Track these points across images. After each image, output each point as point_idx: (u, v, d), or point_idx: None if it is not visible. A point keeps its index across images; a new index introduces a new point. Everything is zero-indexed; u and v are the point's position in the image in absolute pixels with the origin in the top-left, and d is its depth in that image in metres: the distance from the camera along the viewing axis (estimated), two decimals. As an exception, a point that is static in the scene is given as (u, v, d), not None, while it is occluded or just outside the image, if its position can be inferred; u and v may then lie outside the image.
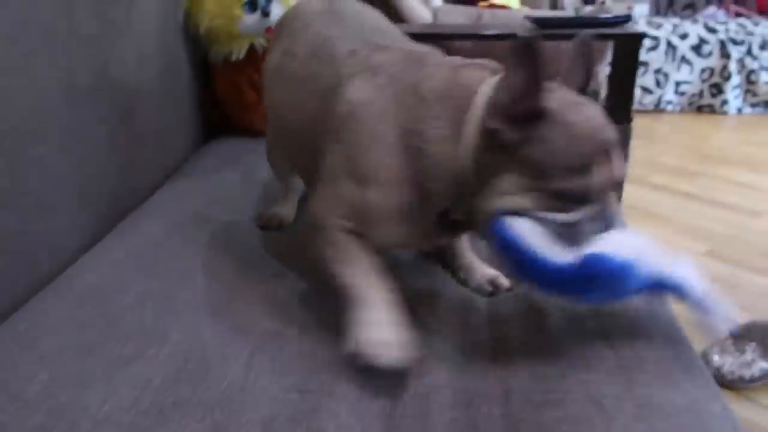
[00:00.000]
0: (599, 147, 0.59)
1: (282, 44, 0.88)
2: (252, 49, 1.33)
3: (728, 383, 1.33)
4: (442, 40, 2.05)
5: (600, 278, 0.59)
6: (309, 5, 0.94)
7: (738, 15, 3.67)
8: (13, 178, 0.78)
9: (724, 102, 3.43)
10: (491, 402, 0.59)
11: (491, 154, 0.61)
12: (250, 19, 1.28)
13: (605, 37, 1.59)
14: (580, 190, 0.59)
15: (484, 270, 0.80)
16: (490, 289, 0.78)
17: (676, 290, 0.63)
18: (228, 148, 1.35)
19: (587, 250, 0.58)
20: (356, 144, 0.67)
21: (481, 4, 2.46)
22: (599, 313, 0.71)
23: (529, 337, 0.69)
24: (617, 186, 0.62)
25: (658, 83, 3.44)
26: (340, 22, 0.83)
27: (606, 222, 0.60)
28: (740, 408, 1.29)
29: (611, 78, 1.54)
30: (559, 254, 0.59)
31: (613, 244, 0.59)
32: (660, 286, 0.63)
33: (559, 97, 0.61)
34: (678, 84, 3.44)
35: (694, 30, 3.40)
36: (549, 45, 1.82)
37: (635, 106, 3.67)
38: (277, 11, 1.31)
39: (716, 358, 1.36)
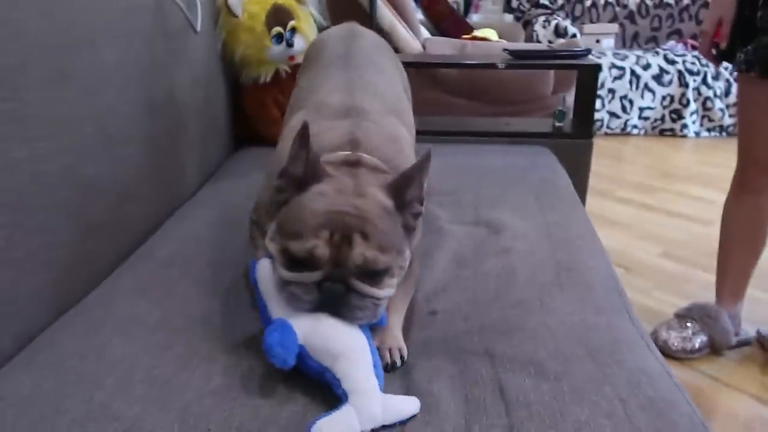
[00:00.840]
0: (323, 226, 0.67)
1: (302, 73, 1.10)
2: (277, 73, 1.59)
3: (673, 354, 1.59)
4: (431, 68, 2.33)
5: (270, 339, 0.66)
6: (330, 38, 1.15)
7: (695, 48, 4.03)
8: (110, 172, 1.02)
9: (684, 126, 3.76)
10: (472, 334, 0.82)
11: (277, 206, 0.75)
12: (277, 49, 1.54)
13: (569, 67, 1.88)
14: (298, 254, 0.67)
15: None
16: None
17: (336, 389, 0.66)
18: (255, 156, 1.59)
19: (281, 316, 0.69)
20: (269, 169, 0.89)
21: (465, 36, 2.75)
22: (557, 264, 0.96)
23: (499, 287, 0.94)
24: (363, 270, 0.68)
25: (624, 109, 3.76)
26: (339, 69, 1.01)
27: (330, 298, 0.68)
28: (684, 375, 1.55)
29: (576, 102, 1.83)
30: (276, 305, 0.71)
31: (308, 323, 0.67)
32: (323, 377, 0.67)
33: (330, 180, 0.72)
34: (642, 110, 3.77)
35: (656, 61, 3.74)
36: (521, 72, 2.14)
37: (604, 129, 3.99)
38: (299, 42, 1.57)
39: (663, 334, 1.62)
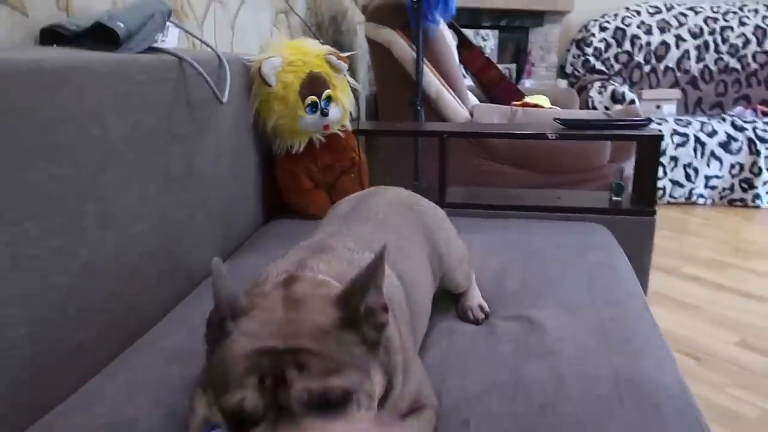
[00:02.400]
0: (248, 372, 0.56)
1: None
2: (310, 143, 1.52)
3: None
4: (478, 138, 2.25)
5: None
6: (345, 199, 1.09)
7: (765, 114, 3.80)
8: (117, 251, 0.94)
9: (756, 196, 3.50)
10: None
11: (207, 364, 0.64)
12: (311, 118, 1.48)
13: (627, 138, 1.74)
14: (230, 409, 0.56)
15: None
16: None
17: None
18: (283, 228, 1.50)
19: None
20: None
21: (515, 103, 2.65)
22: (616, 374, 0.80)
23: (546, 399, 0.78)
24: (315, 406, 0.55)
25: (688, 177, 3.54)
26: (334, 224, 0.97)
27: None
28: None
29: (635, 174, 1.68)
30: None
31: None
32: None
33: (256, 311, 0.61)
34: (708, 178, 3.54)
35: (722, 128, 3.54)
36: (574, 143, 2.00)
37: (666, 198, 3.77)
38: (334, 111, 1.50)
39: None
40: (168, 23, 1.16)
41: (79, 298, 0.86)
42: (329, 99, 1.49)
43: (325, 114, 1.48)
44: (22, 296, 0.76)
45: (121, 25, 1.03)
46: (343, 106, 1.53)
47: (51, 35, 1.01)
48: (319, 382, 0.55)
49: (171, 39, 1.19)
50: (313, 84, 1.46)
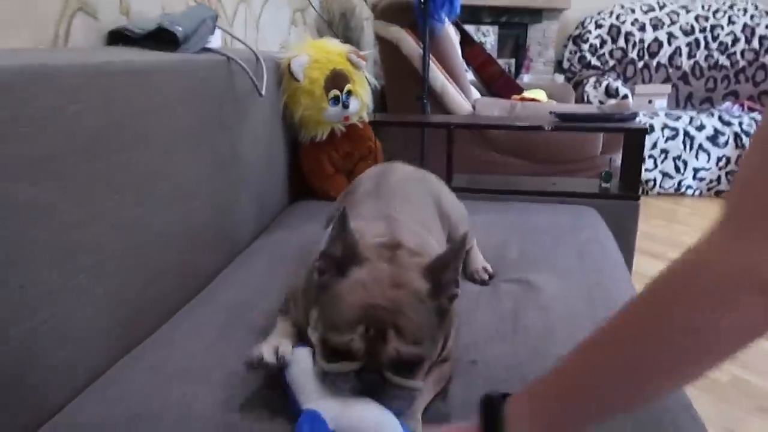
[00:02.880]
0: (359, 321, 0.70)
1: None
2: (332, 133, 1.70)
3: None
4: (480, 130, 2.42)
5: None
6: (364, 177, 1.24)
7: (751, 110, 3.98)
8: (181, 221, 1.12)
9: (741, 188, 3.67)
10: (512, 383, 0.85)
11: (316, 288, 0.78)
12: (333, 110, 1.66)
13: (616, 130, 1.92)
14: (336, 345, 0.71)
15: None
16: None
17: None
18: (307, 209, 1.68)
19: (312, 406, 0.70)
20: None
21: (515, 97, 2.83)
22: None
23: (539, 343, 0.96)
24: (397, 363, 0.71)
25: (677, 169, 3.72)
26: (370, 201, 1.09)
27: (367, 387, 0.70)
28: None
29: (622, 164, 1.85)
30: (308, 391, 0.72)
31: (338, 408, 0.69)
32: None
33: (368, 265, 0.76)
34: (696, 170, 3.72)
35: (710, 122, 3.71)
36: (568, 134, 2.19)
37: (657, 189, 3.93)
38: (354, 104, 1.68)
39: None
40: (216, 26, 1.33)
41: (154, 258, 1.04)
42: (350, 93, 1.67)
43: (346, 106, 1.66)
44: (117, 252, 0.94)
45: (180, 28, 1.20)
46: (362, 100, 1.70)
47: (116, 37, 1.19)
48: (407, 347, 0.71)
49: (215, 40, 1.36)
50: (336, 79, 1.64)
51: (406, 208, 1.09)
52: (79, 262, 0.85)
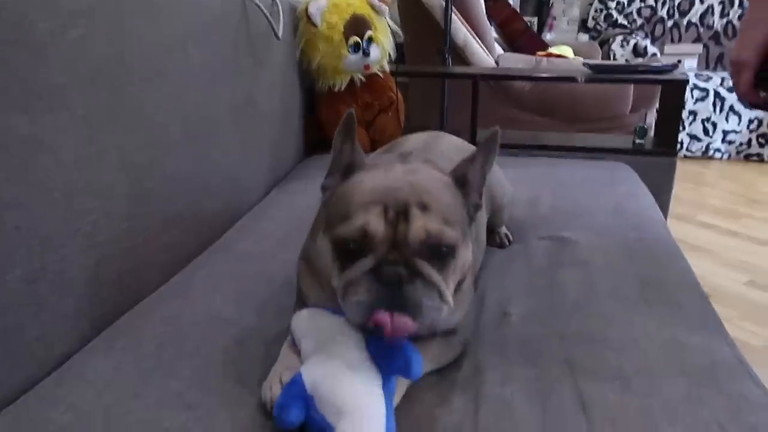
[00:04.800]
0: (374, 201, 0.60)
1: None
2: (351, 82, 1.61)
3: None
4: (503, 81, 2.31)
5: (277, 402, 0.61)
6: (414, 135, 1.11)
7: (786, 70, 3.80)
8: (194, 166, 1.05)
9: (773, 151, 3.54)
10: (550, 340, 0.78)
11: (323, 206, 0.71)
12: (353, 58, 1.56)
13: (655, 82, 1.80)
14: (348, 237, 0.60)
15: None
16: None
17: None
18: (325, 163, 1.60)
19: (310, 360, 0.63)
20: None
21: (539, 53, 2.70)
22: (641, 281, 0.91)
23: (579, 297, 0.89)
24: (428, 246, 0.59)
25: (706, 131, 3.58)
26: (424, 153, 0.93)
27: (392, 287, 0.58)
28: None
29: (658, 118, 1.75)
30: (303, 357, 0.65)
31: (321, 371, 0.61)
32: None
33: (379, 167, 0.66)
34: (726, 133, 3.58)
35: (743, 83, 3.55)
36: (599, 88, 2.07)
37: (684, 152, 3.80)
38: (375, 52, 1.58)
39: None
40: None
41: (166, 203, 0.97)
42: (370, 40, 1.57)
43: (366, 54, 1.56)
44: (124, 196, 0.87)
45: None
46: (383, 48, 1.61)
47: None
48: (438, 225, 0.59)
49: (229, -22, 1.27)
50: (356, 25, 1.54)
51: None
52: (82, 206, 0.79)
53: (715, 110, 3.55)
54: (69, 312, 0.77)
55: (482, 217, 1.00)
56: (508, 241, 1.14)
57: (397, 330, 0.58)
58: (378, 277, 0.58)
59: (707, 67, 4.10)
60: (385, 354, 0.62)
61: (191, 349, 0.75)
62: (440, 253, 0.61)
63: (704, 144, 3.60)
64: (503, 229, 1.16)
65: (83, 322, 0.80)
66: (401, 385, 0.66)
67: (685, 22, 4.13)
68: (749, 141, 3.58)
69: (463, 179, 0.68)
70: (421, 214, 0.60)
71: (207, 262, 1.01)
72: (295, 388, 0.61)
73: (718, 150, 3.62)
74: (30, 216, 0.71)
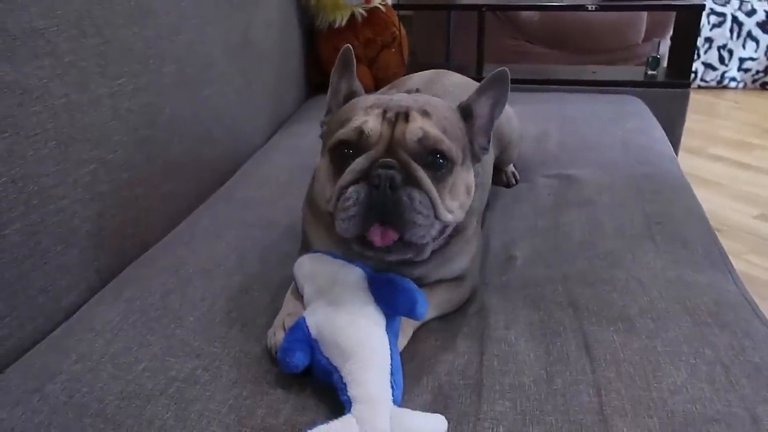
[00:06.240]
0: (375, 106, 0.61)
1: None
2: (352, 18, 1.55)
3: None
4: (512, 11, 2.21)
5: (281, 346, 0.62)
6: (416, 75, 1.09)
7: (809, -9, 3.63)
8: (192, 111, 1.03)
9: (790, 79, 3.43)
10: (554, 283, 0.78)
11: (325, 137, 0.70)
12: (354, -9, 1.50)
13: (669, 8, 1.72)
14: (345, 137, 0.60)
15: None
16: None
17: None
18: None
19: (310, 302, 0.65)
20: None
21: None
22: (647, 218, 0.89)
23: (584, 237, 0.88)
24: (423, 148, 0.60)
25: (722, 60, 3.46)
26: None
27: (384, 190, 0.57)
28: None
29: (672, 47, 1.69)
30: (306, 300, 0.66)
31: (325, 314, 0.61)
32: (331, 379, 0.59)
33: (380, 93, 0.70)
34: (742, 60, 3.46)
35: (762, 6, 3.40)
36: (609, 16, 1.96)
37: (698, 82, 3.67)
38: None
39: None
40: None
41: (165, 151, 0.96)
42: (370, -29, 1.50)
43: (367, -14, 1.50)
44: (122, 143, 0.85)
45: None
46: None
47: None
48: (437, 131, 0.60)
49: None
50: (355, -45, 1.47)
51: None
52: (78, 155, 0.77)
53: (732, 36, 3.42)
54: (73, 263, 0.77)
55: (489, 156, 0.98)
56: (515, 180, 1.13)
57: (386, 240, 0.59)
58: (371, 180, 0.57)
59: (725, -10, 3.92)
60: (389, 294, 0.63)
61: (196, 297, 0.76)
62: (436, 163, 0.60)
63: (719, 73, 3.49)
64: (510, 168, 1.14)
65: (89, 274, 0.80)
66: (407, 327, 0.66)
67: (703, -59, 3.91)
68: (766, 68, 3.46)
69: (467, 110, 0.68)
70: (421, 117, 0.60)
71: (209, 210, 1.00)
72: (299, 332, 0.62)
73: (734, 79, 3.51)
74: (26, 167, 0.70)
